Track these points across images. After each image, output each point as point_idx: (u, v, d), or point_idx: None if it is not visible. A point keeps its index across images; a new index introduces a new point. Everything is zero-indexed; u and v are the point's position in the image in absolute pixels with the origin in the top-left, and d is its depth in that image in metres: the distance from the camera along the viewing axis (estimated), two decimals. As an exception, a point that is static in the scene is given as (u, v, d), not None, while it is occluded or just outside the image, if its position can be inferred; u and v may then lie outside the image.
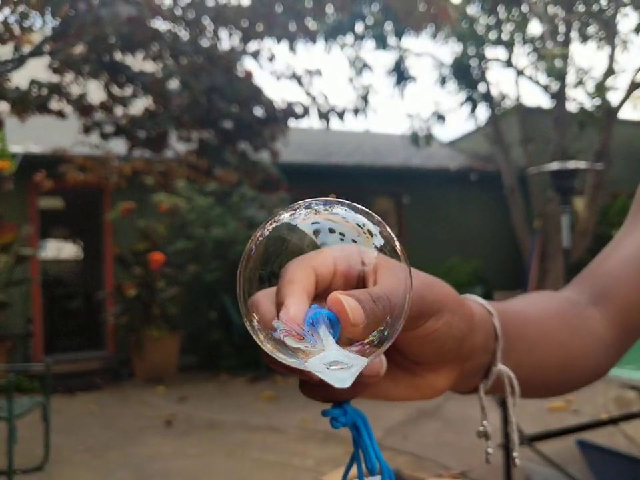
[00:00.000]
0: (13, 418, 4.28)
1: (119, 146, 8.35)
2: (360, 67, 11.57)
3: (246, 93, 7.91)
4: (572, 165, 6.02)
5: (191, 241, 9.05)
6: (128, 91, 7.78)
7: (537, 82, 12.23)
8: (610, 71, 11.40)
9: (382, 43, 11.60)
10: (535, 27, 21.31)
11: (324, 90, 19.90)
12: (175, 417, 6.60)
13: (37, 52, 7.20)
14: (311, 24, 8.00)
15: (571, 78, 11.79)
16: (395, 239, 0.45)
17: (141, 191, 8.73)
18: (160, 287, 8.87)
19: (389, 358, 0.48)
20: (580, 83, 11.74)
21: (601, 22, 11.68)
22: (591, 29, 12.05)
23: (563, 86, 11.70)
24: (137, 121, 7.84)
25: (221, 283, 8.92)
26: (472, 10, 12.02)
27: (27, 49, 7.17)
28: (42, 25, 7.53)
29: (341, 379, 0.40)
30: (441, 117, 12.30)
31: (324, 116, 8.32)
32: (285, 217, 0.44)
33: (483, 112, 13.95)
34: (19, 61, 7.13)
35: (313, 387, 0.45)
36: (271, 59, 8.09)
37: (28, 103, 7.12)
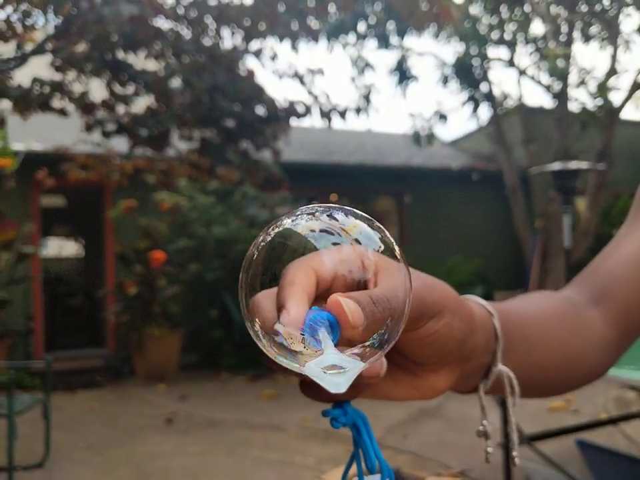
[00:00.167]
0: (13, 415, 4.28)
1: (120, 144, 8.35)
2: (362, 66, 11.57)
3: (248, 92, 7.91)
4: (574, 165, 6.02)
5: (192, 240, 9.06)
6: (130, 89, 7.78)
7: (539, 82, 12.23)
8: (612, 71, 11.39)
9: (384, 42, 11.60)
10: (537, 27, 21.33)
11: (326, 89, 19.90)
12: (176, 415, 6.60)
13: (39, 50, 7.20)
14: (313, 23, 7.99)
15: (573, 78, 11.79)
16: (395, 244, 0.45)
17: (143, 190, 8.74)
18: (161, 285, 8.87)
19: (389, 359, 0.48)
20: (582, 83, 11.73)
21: (604, 22, 11.67)
22: (594, 29, 12.04)
23: (565, 86, 11.69)
24: (139, 120, 7.84)
25: (222, 282, 8.93)
26: (474, 9, 12.02)
27: (29, 47, 7.17)
28: (44, 23, 7.53)
29: (337, 384, 0.40)
30: (442, 117, 12.30)
31: (326, 115, 8.31)
32: (287, 222, 0.45)
33: (485, 112, 14.00)
34: (21, 59, 7.13)
35: (314, 387, 0.45)
36: (273, 57, 8.08)
37: (30, 101, 7.12)
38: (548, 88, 11.95)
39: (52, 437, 4.92)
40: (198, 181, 8.77)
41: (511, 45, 12.22)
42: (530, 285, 10.86)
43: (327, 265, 0.43)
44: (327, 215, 0.44)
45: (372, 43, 11.77)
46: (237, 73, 7.97)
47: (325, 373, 0.40)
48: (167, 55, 7.75)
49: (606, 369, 0.77)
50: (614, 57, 11.46)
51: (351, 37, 11.52)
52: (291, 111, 8.28)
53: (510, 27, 12.21)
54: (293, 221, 0.44)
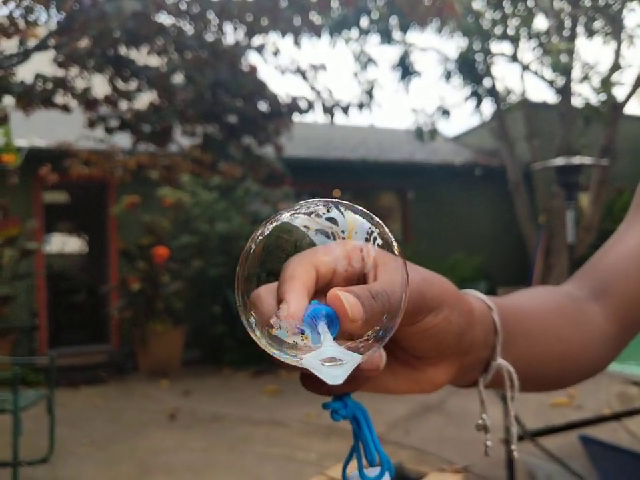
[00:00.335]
0: (18, 410, 4.29)
1: (123, 140, 8.35)
2: (365, 61, 11.55)
3: (250, 88, 7.90)
4: (577, 160, 6.01)
5: (196, 236, 9.07)
6: (132, 85, 7.78)
7: (542, 77, 12.20)
8: (616, 66, 11.37)
9: (387, 38, 11.58)
10: (540, 22, 21.28)
11: (328, 84, 19.89)
12: (179, 411, 6.62)
13: (41, 46, 7.20)
14: (316, 18, 7.97)
15: (576, 73, 11.78)
16: (393, 239, 0.46)
17: (146, 185, 8.75)
18: (164, 281, 8.89)
19: (388, 352, 0.48)
20: (586, 78, 11.72)
21: (607, 17, 11.64)
22: (597, 24, 12.01)
23: (568, 81, 11.67)
24: (142, 115, 7.84)
25: (225, 278, 8.94)
26: (477, 4, 12.00)
27: (31, 43, 7.17)
28: (47, 19, 7.53)
29: (335, 375, 0.40)
30: (445, 112, 12.28)
31: (328, 110, 8.30)
32: (285, 216, 0.45)
33: (488, 107, 14.01)
34: (23, 55, 7.13)
35: (314, 381, 0.45)
36: (276, 53, 8.07)
37: (33, 97, 7.12)
38: (551, 83, 11.94)
39: (56, 433, 4.93)
40: (201, 177, 8.77)
41: (514, 40, 12.20)
42: (533, 281, 10.85)
43: (327, 260, 0.43)
44: (326, 210, 0.44)
45: (374, 38, 11.78)
46: (239, 69, 7.96)
47: (323, 365, 0.40)
48: (170, 51, 7.74)
49: (606, 364, 0.77)
50: (617, 52, 11.44)
51: (354, 32, 11.49)
52: (293, 106, 8.27)
53: (513, 22, 12.18)
54: (291, 215, 0.45)
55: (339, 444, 5.08)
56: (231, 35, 8.00)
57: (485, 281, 11.21)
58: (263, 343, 0.43)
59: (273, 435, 5.70)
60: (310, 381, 0.46)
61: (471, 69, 12.19)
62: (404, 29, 11.26)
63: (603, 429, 4.29)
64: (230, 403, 7.08)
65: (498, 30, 12.16)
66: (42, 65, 7.29)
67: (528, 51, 15.53)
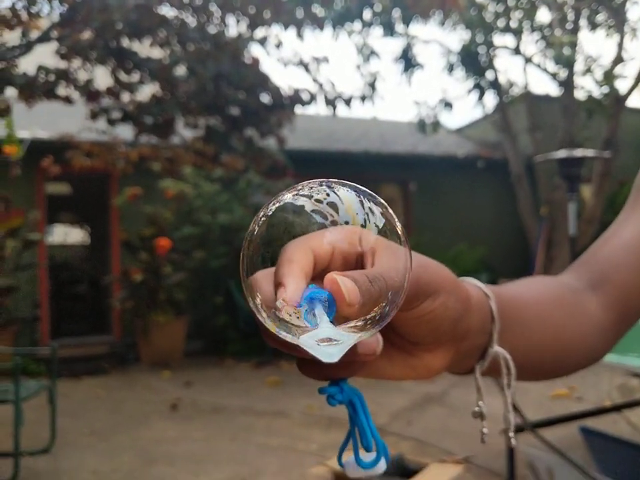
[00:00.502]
0: (19, 401, 4.31)
1: (125, 132, 8.35)
2: (367, 53, 11.52)
3: (253, 80, 7.89)
4: (579, 152, 6.01)
5: (198, 227, 9.08)
6: (135, 77, 7.77)
7: (545, 70, 12.18)
8: (619, 59, 11.36)
9: (390, 30, 11.55)
10: (543, 15, 21.19)
11: (331, 77, 19.84)
12: (181, 402, 6.63)
13: (44, 38, 7.19)
14: (319, 10, 7.97)
15: (579, 66, 11.76)
16: (397, 220, 0.45)
17: (148, 177, 8.75)
18: (166, 272, 8.90)
19: (385, 337, 0.48)
20: (588, 70, 11.70)
21: (610, 9, 11.62)
22: (600, 17, 11.99)
23: (571, 74, 11.65)
24: (144, 107, 7.83)
25: (226, 269, 8.95)
26: (480, -3, 11.98)
27: (34, 34, 7.17)
28: (49, 11, 7.52)
29: (330, 354, 0.40)
30: (448, 104, 12.27)
31: (331, 103, 8.29)
32: (287, 197, 0.45)
33: (490, 99, 13.98)
34: (26, 47, 7.12)
35: (311, 365, 0.45)
36: (278, 45, 8.06)
37: (35, 89, 7.11)
38: (554, 76, 11.92)
39: (57, 423, 4.95)
40: (203, 169, 8.77)
41: (517, 33, 12.17)
42: (535, 273, 10.84)
43: (325, 243, 0.43)
44: (329, 190, 0.45)
45: (377, 31, 11.71)
46: (241, 61, 7.95)
47: (318, 345, 0.40)
48: (172, 43, 7.73)
49: (602, 354, 0.77)
50: (620, 45, 11.42)
51: (357, 25, 11.46)
52: (295, 98, 8.27)
53: (516, 15, 12.15)
54: (293, 196, 0.45)
55: (339, 435, 5.08)
56: (234, 27, 8.01)
57: (486, 272, 11.21)
58: (267, 324, 0.43)
59: (274, 426, 5.71)
60: (307, 365, 0.46)
61: (473, 62, 12.17)
62: (407, 21, 11.22)
63: (603, 421, 4.30)
64: (231, 393, 7.10)
65: (501, 22, 12.13)
66: (44, 56, 7.28)
67: (531, 43, 15.54)
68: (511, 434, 0.64)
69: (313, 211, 0.44)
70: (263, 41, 7.99)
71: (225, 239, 8.96)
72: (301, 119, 9.75)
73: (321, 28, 8.07)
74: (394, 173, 12.57)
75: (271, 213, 0.45)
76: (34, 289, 9.63)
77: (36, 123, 9.15)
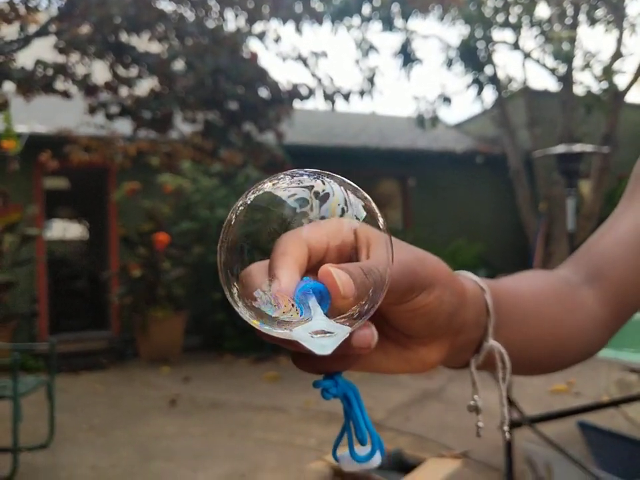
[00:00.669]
0: (18, 396, 4.31)
1: (124, 126, 8.35)
2: (366, 48, 11.50)
3: (251, 74, 7.89)
4: (578, 148, 6.01)
5: (196, 222, 9.07)
6: (133, 71, 7.77)
7: (544, 65, 12.18)
8: (617, 54, 11.35)
9: (389, 25, 11.53)
10: (542, 10, 21.19)
11: (330, 71, 19.82)
12: (179, 397, 6.64)
13: (42, 32, 7.19)
14: (317, 5, 7.97)
15: (578, 61, 11.76)
16: (379, 214, 0.45)
17: (146, 172, 8.74)
18: (165, 267, 8.89)
19: (380, 331, 0.48)
20: (587, 66, 11.69)
21: (609, 5, 11.60)
22: (599, 12, 11.98)
23: (570, 69, 11.65)
24: (142, 102, 7.83)
25: (225, 265, 8.94)
26: (479, -8, 11.96)
27: (32, 29, 7.16)
28: (47, 5, 7.52)
29: (323, 345, 0.40)
30: (447, 100, 12.26)
31: (329, 97, 8.30)
32: (267, 185, 0.44)
33: (489, 94, 13.95)
34: (24, 41, 7.12)
35: (305, 359, 0.45)
36: (277, 40, 8.06)
37: (33, 83, 7.11)
38: (553, 71, 11.91)
39: (56, 419, 4.96)
40: (201, 164, 8.77)
41: (516, 28, 12.16)
42: (534, 268, 10.83)
43: (319, 236, 0.43)
44: (309, 180, 0.44)
45: (376, 26, 11.70)
46: (240, 56, 7.95)
47: (312, 337, 0.40)
48: (170, 37, 7.73)
49: (598, 348, 0.77)
50: (619, 40, 11.42)
51: (355, 20, 11.45)
52: (294, 93, 8.27)
53: (515, 10, 12.14)
54: (273, 184, 0.44)
55: (338, 430, 5.07)
56: (232, 21, 8.01)
57: (485, 268, 11.20)
58: (247, 316, 0.43)
59: (272, 421, 5.72)
60: (302, 358, 0.46)
61: (472, 57, 12.16)
62: (406, 16, 11.22)
63: (601, 416, 4.30)
64: (230, 389, 7.10)
65: (500, 17, 12.12)
66: (42, 51, 7.28)
67: (530, 38, 15.50)
68: (506, 428, 0.63)
69: (292, 200, 0.43)
70: (261, 36, 7.99)
71: (224, 234, 8.96)
72: (299, 114, 9.75)
73: (320, 22, 8.07)
74: (393, 168, 12.56)
75: (249, 201, 0.44)
76: (32, 284, 9.63)
77: (34, 117, 9.13)
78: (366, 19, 11.50)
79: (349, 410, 0.48)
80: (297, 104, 8.71)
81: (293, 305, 0.40)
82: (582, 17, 11.93)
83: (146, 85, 7.96)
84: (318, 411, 5.74)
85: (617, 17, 11.51)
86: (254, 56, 8.15)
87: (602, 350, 0.79)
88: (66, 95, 7.48)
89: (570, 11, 11.87)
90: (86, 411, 6.24)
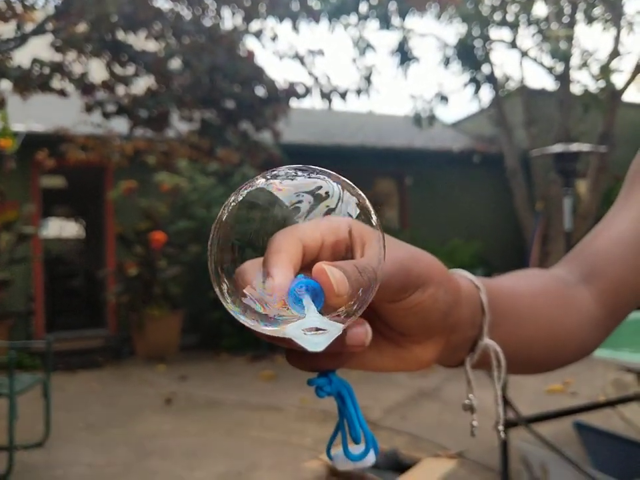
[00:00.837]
0: (14, 394, 4.31)
1: (120, 125, 8.34)
2: (363, 47, 11.50)
3: (248, 73, 7.88)
4: (575, 147, 6.00)
5: (193, 221, 9.06)
6: (130, 70, 7.77)
7: (541, 63, 12.18)
8: (615, 53, 11.36)
9: (386, 23, 11.52)
10: (540, 8, 21.20)
11: (327, 70, 19.80)
12: (175, 396, 6.64)
13: (39, 30, 7.18)
14: (314, 3, 7.97)
15: (575, 60, 11.76)
16: (373, 211, 0.45)
17: (143, 171, 8.73)
18: (161, 266, 8.90)
19: (374, 329, 0.48)
20: (584, 65, 11.70)
21: (607, 3, 11.61)
22: (597, 11, 11.97)
23: (567, 68, 11.66)
24: (139, 101, 7.83)
25: (222, 263, 8.93)
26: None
27: (29, 27, 7.15)
28: (44, 3, 7.50)
29: (316, 342, 0.40)
30: (444, 98, 12.25)
31: (326, 96, 8.29)
32: (261, 182, 0.43)
33: (486, 93, 14.01)
34: (21, 40, 7.10)
35: (299, 356, 0.45)
36: (274, 38, 8.05)
37: (30, 82, 7.10)
38: (550, 70, 11.92)
39: (52, 417, 4.95)
40: (198, 162, 8.76)
41: (514, 27, 12.16)
42: (530, 268, 10.85)
43: (314, 234, 0.43)
44: (302, 177, 0.43)
45: (373, 24, 11.70)
46: (237, 54, 7.95)
47: (305, 334, 0.40)
48: (167, 36, 7.72)
49: (593, 347, 0.77)
50: (617, 39, 11.42)
51: (352, 18, 11.44)
52: (291, 92, 8.26)
53: (512, 8, 12.15)
54: (266, 181, 0.43)
55: (333, 428, 5.09)
56: (229, 19, 8.01)
57: (482, 267, 11.22)
58: (239, 314, 0.43)
59: (268, 420, 5.72)
60: (295, 356, 0.46)
61: (469, 55, 12.16)
62: (403, 14, 11.20)
63: (597, 416, 4.31)
64: (226, 387, 7.10)
65: (497, 16, 12.12)
66: (39, 49, 7.27)
67: (527, 37, 15.51)
68: (501, 427, 0.63)
69: (285, 196, 0.42)
70: (258, 34, 7.98)
71: (220, 233, 8.95)
72: (296, 113, 9.75)
73: (317, 21, 8.06)
74: (390, 166, 12.57)
75: (242, 198, 0.43)
76: (28, 283, 9.62)
77: (31, 116, 9.12)
78: (363, 17, 11.49)
79: (343, 408, 0.48)
80: (294, 102, 8.71)
81: (286, 303, 0.40)
82: (579, 16, 11.93)
83: (143, 84, 7.95)
84: (314, 410, 5.74)
85: (615, 16, 11.51)
86: (251, 54, 8.15)
87: (598, 350, 0.79)
88: (63, 93, 7.47)
89: (567, 9, 11.87)
90: (82, 409, 6.23)
